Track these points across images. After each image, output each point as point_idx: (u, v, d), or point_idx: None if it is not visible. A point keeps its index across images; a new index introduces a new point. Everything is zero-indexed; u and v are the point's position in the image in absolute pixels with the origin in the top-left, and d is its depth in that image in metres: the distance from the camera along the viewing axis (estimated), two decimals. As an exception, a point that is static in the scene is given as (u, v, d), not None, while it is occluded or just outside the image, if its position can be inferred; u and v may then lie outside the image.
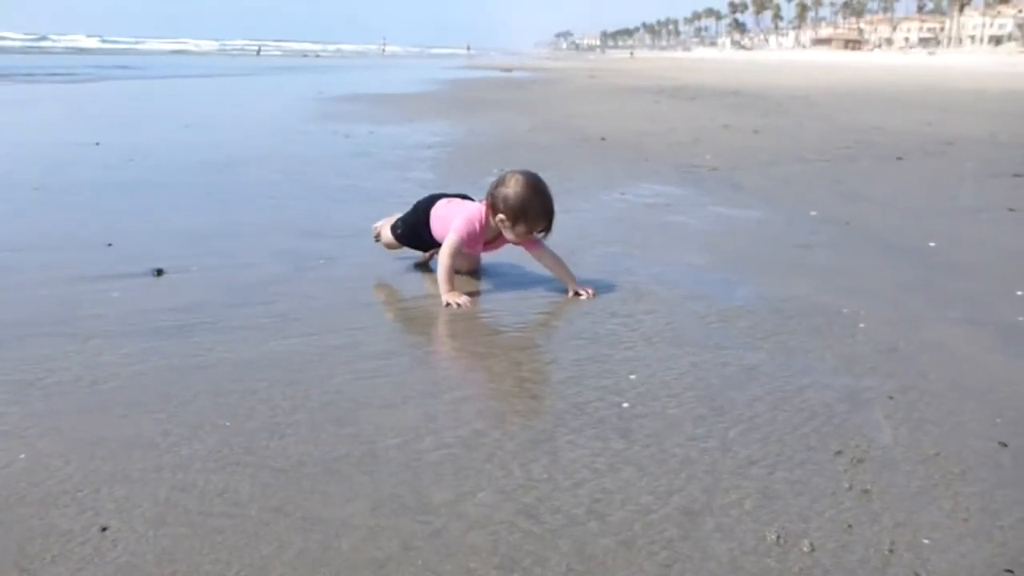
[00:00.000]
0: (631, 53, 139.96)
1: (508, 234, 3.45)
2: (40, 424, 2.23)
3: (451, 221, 3.52)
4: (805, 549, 1.74)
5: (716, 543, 1.76)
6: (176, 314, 3.13)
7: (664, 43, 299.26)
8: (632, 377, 2.63)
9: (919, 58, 74.15)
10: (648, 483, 2.00)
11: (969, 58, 69.00)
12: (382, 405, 2.40)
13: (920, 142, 9.09)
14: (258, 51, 61.97)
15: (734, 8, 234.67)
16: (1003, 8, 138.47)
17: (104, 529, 1.76)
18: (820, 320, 3.20)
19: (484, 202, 3.48)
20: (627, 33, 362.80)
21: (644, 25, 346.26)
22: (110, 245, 4.12)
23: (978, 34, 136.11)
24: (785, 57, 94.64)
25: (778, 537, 1.78)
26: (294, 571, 1.65)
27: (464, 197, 3.76)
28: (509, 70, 36.93)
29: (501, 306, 3.39)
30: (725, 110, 13.67)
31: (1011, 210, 5.43)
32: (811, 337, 3.01)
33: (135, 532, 1.76)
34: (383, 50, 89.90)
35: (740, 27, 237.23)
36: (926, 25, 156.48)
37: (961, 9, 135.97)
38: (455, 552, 1.71)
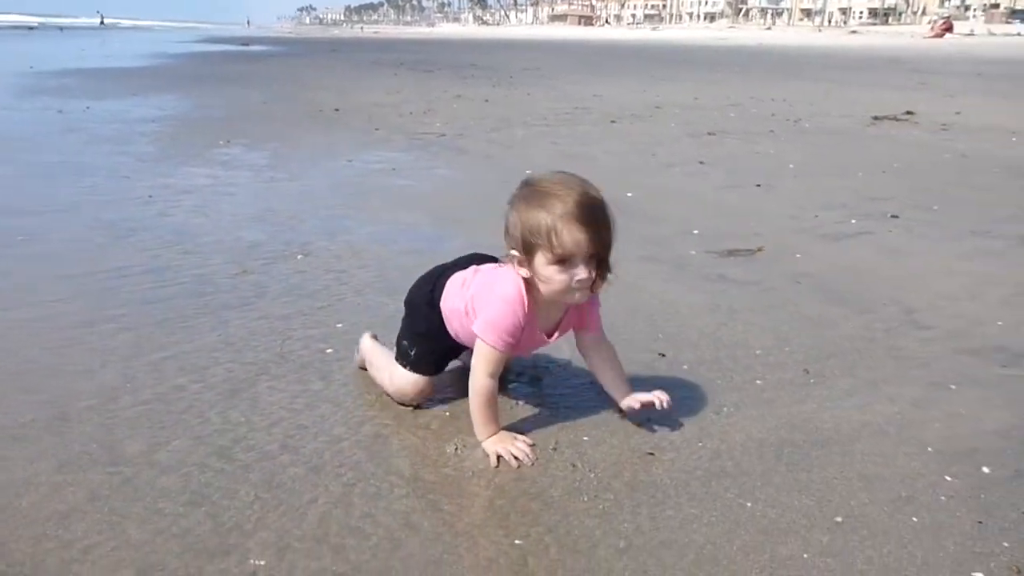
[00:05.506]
0: (361, 28, 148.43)
1: (542, 286, 1.98)
2: None
3: (474, 316, 2.09)
4: (479, 456, 1.94)
5: (399, 460, 1.92)
6: None
7: (408, 18, 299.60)
8: (339, 326, 2.75)
9: (644, 32, 79.48)
10: (343, 416, 2.13)
11: (687, 32, 75.07)
12: (79, 371, 2.36)
13: (632, 107, 9.83)
14: None
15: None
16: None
17: None
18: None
19: (511, 258, 2.06)
20: (371, 8, 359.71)
21: (388, 0, 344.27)
22: None
23: (695, 11, 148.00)
24: (524, 32, 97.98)
25: (456, 449, 1.97)
26: (-33, 532, 1.62)
27: (481, 259, 2.29)
28: (247, 44, 35.58)
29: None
30: (460, 82, 14.01)
31: (701, 163, 6.05)
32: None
33: None
34: (101, 22, 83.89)
35: (482, 3, 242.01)
36: (651, 3, 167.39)
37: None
38: (144, 496, 1.75)
